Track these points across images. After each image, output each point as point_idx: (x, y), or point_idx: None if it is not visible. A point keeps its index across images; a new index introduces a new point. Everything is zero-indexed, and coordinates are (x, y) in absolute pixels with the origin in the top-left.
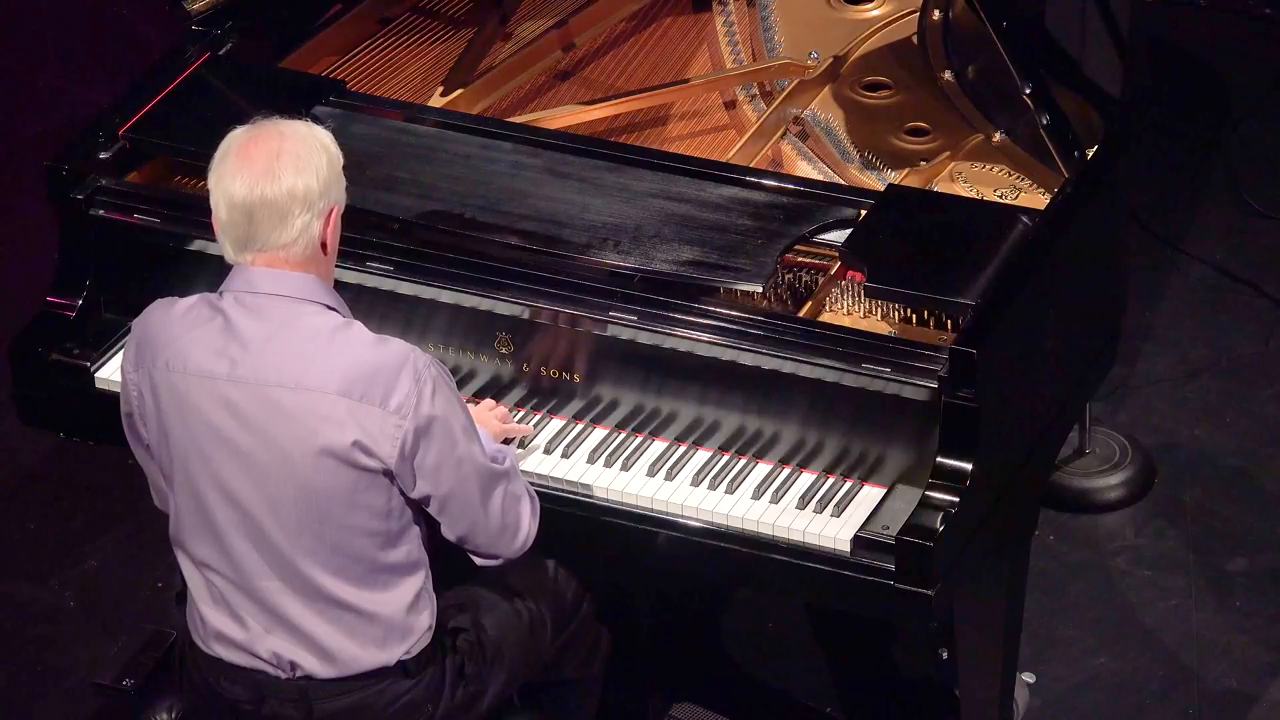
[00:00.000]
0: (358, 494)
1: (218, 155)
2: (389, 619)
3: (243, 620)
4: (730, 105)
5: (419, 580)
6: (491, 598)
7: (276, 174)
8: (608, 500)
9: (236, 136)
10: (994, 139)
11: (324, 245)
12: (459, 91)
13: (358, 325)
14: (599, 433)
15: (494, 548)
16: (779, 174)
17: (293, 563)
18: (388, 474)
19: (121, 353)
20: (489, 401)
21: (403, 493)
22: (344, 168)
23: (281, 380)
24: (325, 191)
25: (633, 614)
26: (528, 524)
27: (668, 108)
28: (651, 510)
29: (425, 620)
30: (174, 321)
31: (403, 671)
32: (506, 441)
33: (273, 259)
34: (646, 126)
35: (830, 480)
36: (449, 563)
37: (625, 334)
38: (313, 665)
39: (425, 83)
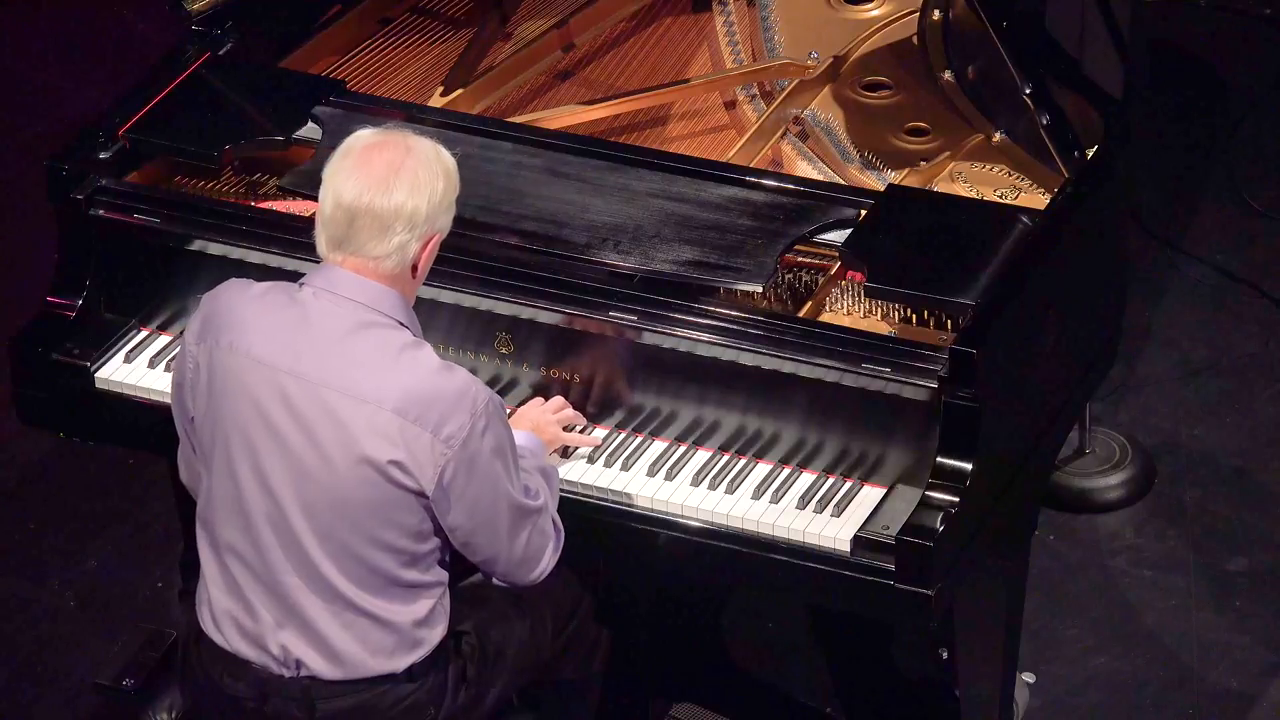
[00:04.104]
0: (391, 511)
1: (340, 149)
2: (403, 629)
3: (255, 611)
4: (730, 105)
5: (435, 596)
6: (493, 599)
7: (391, 188)
8: (607, 500)
9: (363, 137)
10: (994, 139)
11: (415, 268)
12: (459, 91)
13: (427, 348)
14: (599, 433)
15: (509, 576)
16: (779, 174)
17: (315, 564)
18: (423, 497)
19: (122, 352)
20: (558, 400)
21: (434, 519)
22: None
23: (341, 385)
24: (432, 217)
25: (633, 614)
26: (548, 559)
27: (668, 108)
28: (651, 510)
29: (438, 634)
30: (246, 304)
31: (407, 675)
32: (565, 450)
33: (362, 266)
34: (646, 126)
35: (830, 480)
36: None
37: (625, 334)
38: (319, 665)
39: (425, 83)
